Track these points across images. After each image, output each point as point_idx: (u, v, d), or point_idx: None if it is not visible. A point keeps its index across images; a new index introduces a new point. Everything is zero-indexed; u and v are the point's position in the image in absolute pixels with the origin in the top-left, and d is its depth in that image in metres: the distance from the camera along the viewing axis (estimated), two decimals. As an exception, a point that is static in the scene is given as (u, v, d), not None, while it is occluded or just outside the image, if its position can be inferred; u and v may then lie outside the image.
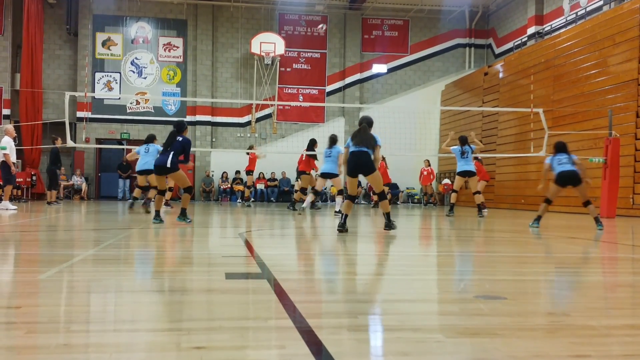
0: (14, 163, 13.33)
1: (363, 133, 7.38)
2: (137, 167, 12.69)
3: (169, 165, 8.55)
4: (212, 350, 2.13)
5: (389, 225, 7.51)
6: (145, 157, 12.29)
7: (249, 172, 17.77)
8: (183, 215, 8.59)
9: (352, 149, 7.37)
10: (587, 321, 2.70)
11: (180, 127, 8.85)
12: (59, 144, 15.98)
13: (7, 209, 12.61)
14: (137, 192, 13.51)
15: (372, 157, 7.35)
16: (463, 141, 12.69)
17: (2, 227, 8.35)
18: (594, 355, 2.15)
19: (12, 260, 4.88)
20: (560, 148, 9.41)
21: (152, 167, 9.95)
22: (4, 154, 13.09)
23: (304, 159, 14.70)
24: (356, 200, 7.97)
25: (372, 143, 7.34)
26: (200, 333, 2.36)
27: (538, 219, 9.23)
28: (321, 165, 12.54)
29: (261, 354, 2.13)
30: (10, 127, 13.95)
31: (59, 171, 16.99)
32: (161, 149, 9.69)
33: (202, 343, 2.20)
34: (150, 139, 12.66)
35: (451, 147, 13.08)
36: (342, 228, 7.43)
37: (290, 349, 2.15)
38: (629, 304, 3.35)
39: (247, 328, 2.49)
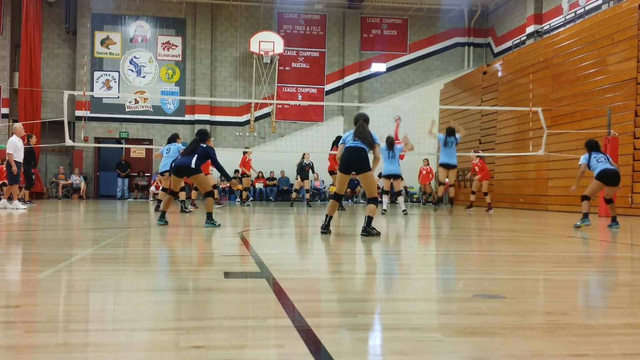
0: (16, 162, 13.07)
1: (362, 129, 7.08)
2: (160, 169, 12.61)
3: (193, 166, 8.30)
4: (211, 349, 2.13)
5: (368, 230, 6.90)
6: (166, 159, 12.15)
7: (245, 175, 17.92)
8: (210, 219, 8.29)
9: (348, 144, 7.06)
10: (586, 320, 2.70)
11: (203, 135, 8.69)
12: (33, 142, 15.75)
13: (17, 208, 12.57)
14: (161, 195, 13.23)
15: (369, 154, 7.04)
16: (450, 132, 13.04)
17: (0, 226, 8.34)
18: (592, 354, 2.15)
19: (10, 259, 4.88)
20: (595, 146, 9.46)
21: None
22: (7, 154, 12.97)
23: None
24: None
25: (370, 140, 7.05)
26: (199, 332, 2.36)
27: (585, 216, 9.17)
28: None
29: (260, 353, 2.13)
30: (18, 125, 13.76)
31: (33, 170, 16.80)
32: (182, 147, 9.63)
33: (201, 342, 2.20)
34: (173, 138, 12.48)
35: (438, 134, 13.62)
36: (325, 230, 7.09)
37: (289, 348, 2.15)
38: (627, 303, 3.35)
39: (246, 327, 2.49)
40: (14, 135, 13.23)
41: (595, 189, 9.39)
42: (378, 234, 6.95)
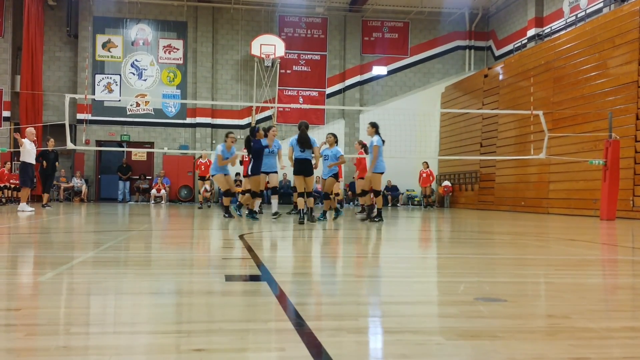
0: (28, 164, 13.44)
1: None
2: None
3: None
4: (212, 352, 2.13)
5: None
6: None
7: (203, 177, 18.00)
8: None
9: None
10: (587, 323, 2.70)
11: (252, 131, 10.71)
12: None
13: (23, 211, 12.64)
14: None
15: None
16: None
17: (1, 229, 8.35)
18: (593, 358, 2.15)
19: (11, 262, 4.88)
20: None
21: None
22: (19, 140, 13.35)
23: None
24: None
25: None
26: (200, 335, 2.36)
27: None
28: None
29: (261, 356, 2.13)
30: (30, 130, 14.01)
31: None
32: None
33: (201, 345, 2.20)
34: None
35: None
36: (303, 221, 9.11)
37: (290, 351, 2.15)
38: (629, 307, 3.34)
39: (247, 330, 2.48)
40: (25, 139, 13.61)
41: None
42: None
